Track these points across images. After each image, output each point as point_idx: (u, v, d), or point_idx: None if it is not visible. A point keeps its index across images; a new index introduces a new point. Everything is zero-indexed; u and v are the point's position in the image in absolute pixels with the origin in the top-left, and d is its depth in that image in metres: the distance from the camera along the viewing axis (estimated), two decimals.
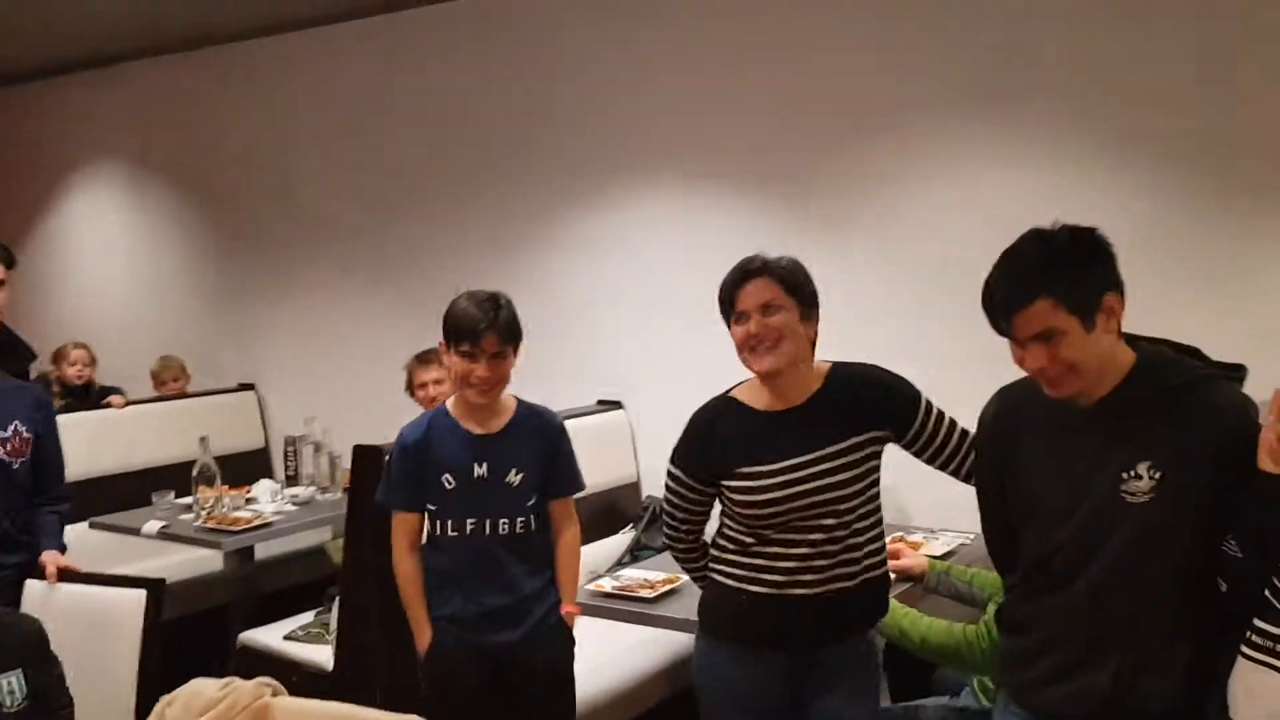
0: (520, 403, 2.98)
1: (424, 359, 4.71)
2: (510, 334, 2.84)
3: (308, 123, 5.80)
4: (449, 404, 2.94)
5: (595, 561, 3.86)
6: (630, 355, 4.73)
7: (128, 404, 5.45)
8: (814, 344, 2.51)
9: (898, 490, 4.04)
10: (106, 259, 6.82)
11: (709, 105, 4.54)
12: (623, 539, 4.35)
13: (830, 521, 2.43)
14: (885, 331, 4.07)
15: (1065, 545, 2.07)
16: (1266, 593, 1.87)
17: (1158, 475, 1.96)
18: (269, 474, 5.38)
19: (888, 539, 3.55)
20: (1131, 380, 2.03)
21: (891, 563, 3.28)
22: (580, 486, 3.04)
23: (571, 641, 2.97)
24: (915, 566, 3.23)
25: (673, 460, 2.62)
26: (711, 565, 2.60)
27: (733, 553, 2.53)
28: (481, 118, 5.18)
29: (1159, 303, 3.10)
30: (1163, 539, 1.98)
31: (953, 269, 3.80)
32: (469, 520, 2.82)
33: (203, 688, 2.09)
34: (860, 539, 2.48)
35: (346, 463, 4.50)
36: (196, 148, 6.29)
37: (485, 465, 2.83)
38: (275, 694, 2.08)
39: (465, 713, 2.80)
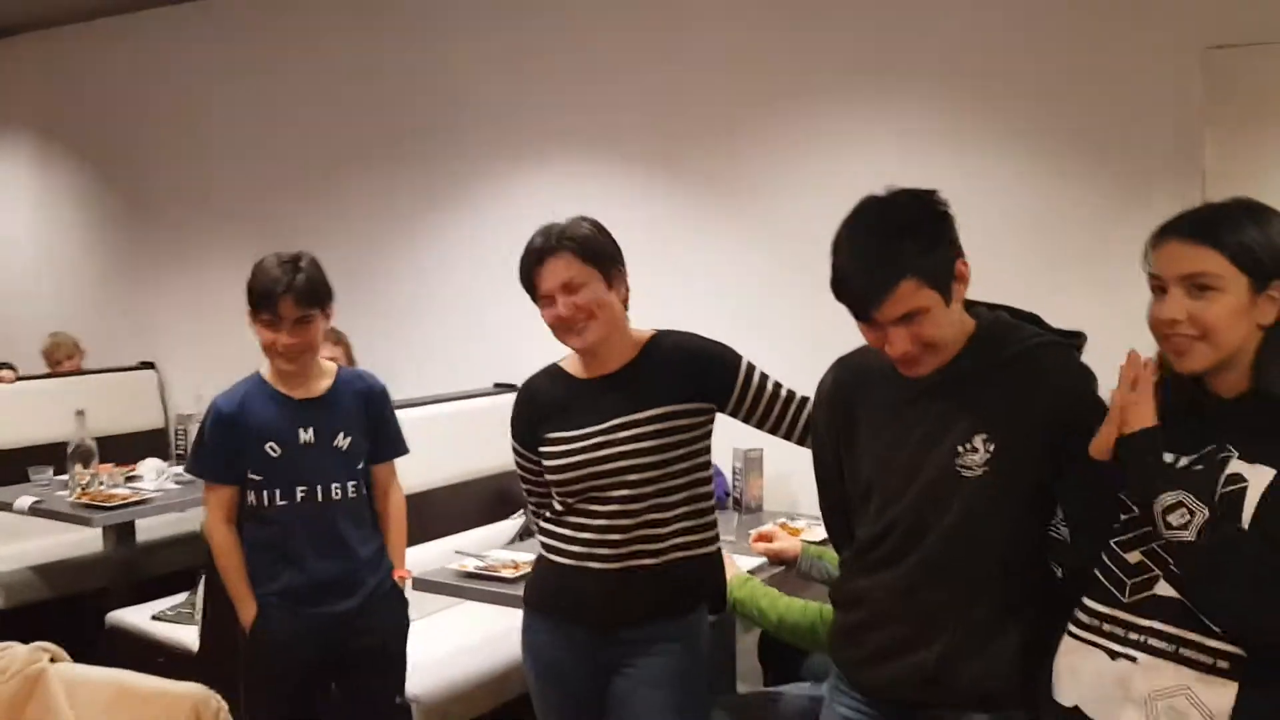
0: (341, 367, 2.94)
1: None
2: (312, 297, 2.72)
3: (206, 98, 5.71)
4: (263, 370, 2.84)
5: (483, 545, 3.76)
6: (526, 338, 4.60)
7: (17, 379, 5.29)
8: (626, 303, 2.43)
9: (790, 478, 4.00)
10: (3, 232, 6.65)
11: (597, 81, 4.50)
12: (514, 523, 4.25)
13: (624, 493, 2.34)
14: (770, 308, 4.05)
15: (899, 520, 1.98)
16: (1096, 571, 1.81)
17: (992, 447, 1.89)
18: (168, 455, 5.24)
19: (772, 525, 3.53)
20: (970, 350, 1.95)
21: (763, 545, 3.24)
22: (405, 450, 3.00)
23: (405, 605, 2.94)
24: (788, 550, 3.16)
25: (510, 431, 2.59)
26: (537, 535, 2.56)
27: (549, 521, 2.49)
28: (372, 96, 5.12)
29: (1039, 282, 3.07)
30: (997, 513, 1.91)
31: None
32: (299, 488, 2.74)
33: None
34: (664, 514, 2.37)
35: None
36: (99, 122, 6.16)
37: (311, 430, 2.76)
38: (55, 660, 1.96)
39: (291, 687, 2.71)
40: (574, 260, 2.33)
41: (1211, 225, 1.71)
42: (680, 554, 2.40)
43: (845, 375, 2.14)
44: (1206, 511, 1.63)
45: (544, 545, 2.51)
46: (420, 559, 3.48)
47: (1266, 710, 1.63)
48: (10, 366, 5.41)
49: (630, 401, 2.36)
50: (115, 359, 5.79)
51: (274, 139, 5.47)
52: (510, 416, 2.59)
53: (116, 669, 1.98)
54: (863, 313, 1.89)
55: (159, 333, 5.88)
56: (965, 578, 1.95)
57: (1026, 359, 1.93)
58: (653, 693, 2.40)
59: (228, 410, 2.78)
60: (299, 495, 2.73)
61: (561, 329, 2.38)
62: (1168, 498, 1.66)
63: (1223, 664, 1.65)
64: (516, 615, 3.76)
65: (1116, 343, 1.84)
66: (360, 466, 2.83)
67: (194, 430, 4.76)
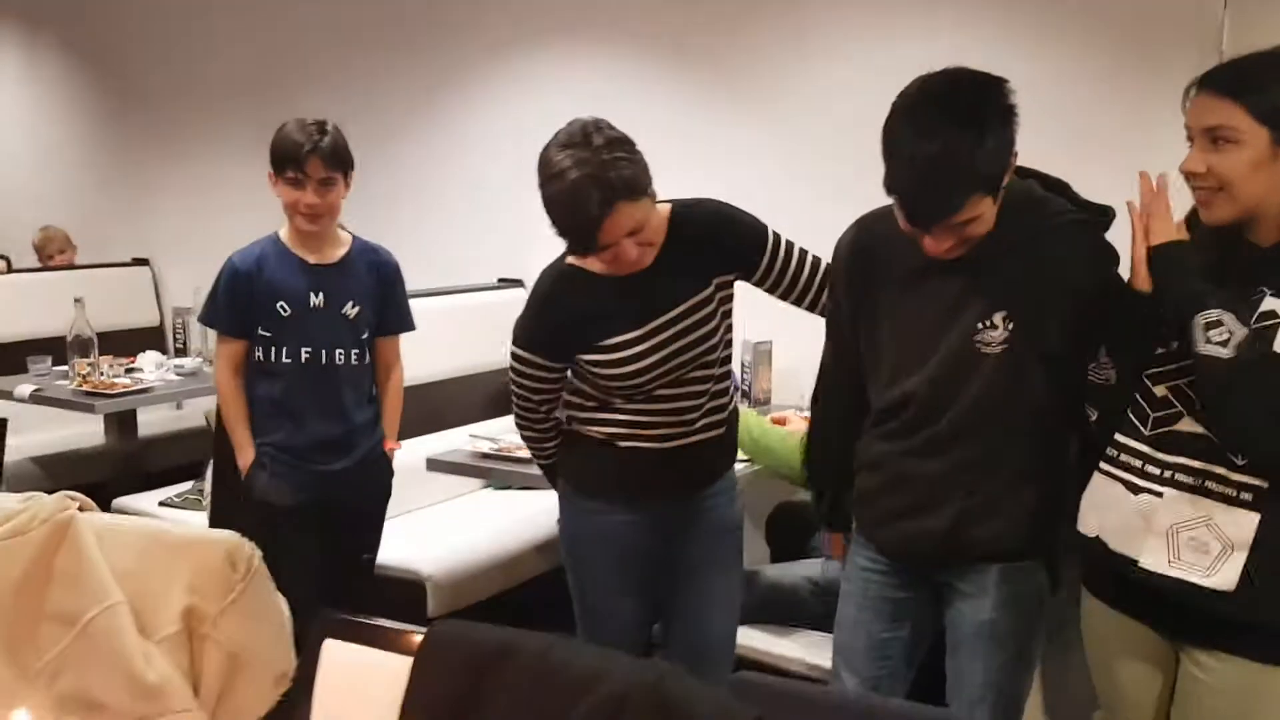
0: (356, 237, 2.96)
1: None
2: (336, 160, 2.77)
3: None
4: (281, 232, 2.88)
5: (492, 434, 3.75)
6: (533, 233, 4.55)
7: (10, 271, 5.22)
8: (655, 198, 2.27)
9: (799, 371, 3.97)
10: None
11: None
12: None
13: (700, 374, 2.32)
14: (784, 201, 3.97)
15: (915, 394, 1.99)
16: (1128, 410, 1.82)
17: (1011, 325, 1.90)
18: (165, 350, 5.19)
19: (794, 413, 3.55)
20: (1003, 223, 1.90)
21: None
22: (411, 326, 3.06)
23: (391, 474, 3.02)
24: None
25: (517, 343, 2.40)
26: (575, 425, 2.43)
27: (596, 410, 2.37)
28: None
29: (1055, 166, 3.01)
30: (1014, 389, 1.93)
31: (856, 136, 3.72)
32: (304, 349, 2.80)
33: (3, 501, 1.94)
34: (725, 383, 2.40)
35: None
36: (89, 10, 6.00)
37: (322, 295, 2.81)
38: (84, 509, 1.93)
39: (285, 530, 2.73)
40: (626, 206, 2.14)
41: (1236, 78, 1.72)
42: (731, 413, 2.44)
43: (865, 239, 2.11)
44: (1245, 330, 1.64)
45: (595, 432, 2.39)
46: (433, 447, 3.51)
47: None
48: (4, 258, 5.34)
49: (683, 286, 2.30)
50: (108, 255, 5.70)
51: (272, 27, 5.33)
52: (526, 331, 2.40)
53: (146, 519, 1.96)
54: (922, 226, 1.85)
55: (153, 229, 5.78)
56: (980, 449, 1.97)
57: (1051, 238, 1.91)
58: (723, 547, 2.50)
59: (243, 268, 2.83)
60: (304, 356, 2.79)
61: (617, 266, 2.24)
62: (1212, 314, 1.67)
63: (1245, 495, 1.69)
64: (526, 502, 3.83)
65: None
66: (365, 336, 2.88)
67: (192, 323, 4.77)
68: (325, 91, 5.13)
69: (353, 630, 1.53)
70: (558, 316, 2.34)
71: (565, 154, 2.17)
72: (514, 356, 2.41)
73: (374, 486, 2.98)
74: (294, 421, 2.82)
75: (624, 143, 2.20)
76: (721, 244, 2.34)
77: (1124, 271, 1.88)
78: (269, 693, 1.82)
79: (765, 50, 4.13)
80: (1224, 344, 1.65)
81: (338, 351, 2.82)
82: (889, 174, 1.85)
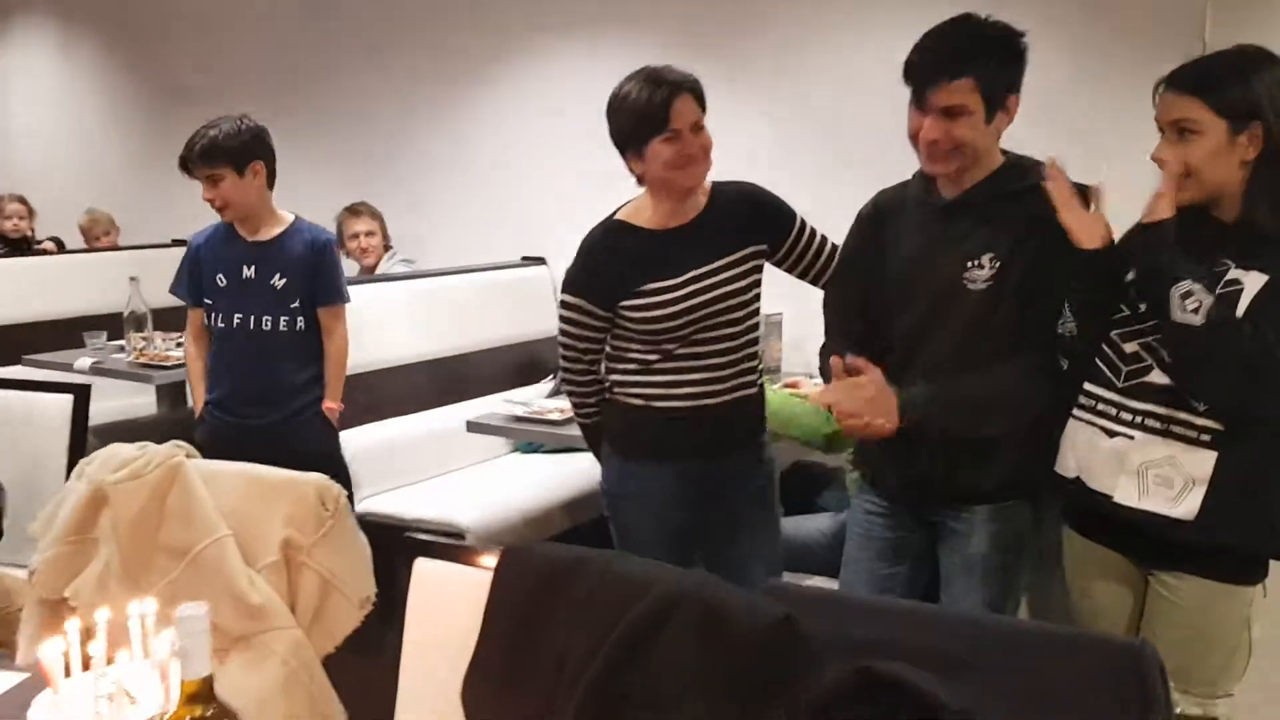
0: (298, 219, 3.40)
1: (354, 210, 4.83)
2: (208, 157, 3.23)
3: None
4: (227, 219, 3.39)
5: (524, 399, 4.01)
6: (553, 213, 4.82)
7: (61, 251, 5.48)
8: None
9: (807, 341, 4.21)
10: (33, 112, 6.76)
11: None
12: (543, 387, 4.49)
13: (731, 330, 2.54)
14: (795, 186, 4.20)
15: (908, 331, 2.26)
16: (1097, 360, 2.09)
17: (997, 265, 2.15)
18: None
19: (795, 378, 3.81)
20: (993, 179, 2.21)
21: (789, 392, 3.50)
22: (344, 298, 3.40)
23: (333, 429, 3.39)
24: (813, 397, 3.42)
25: (568, 290, 2.61)
26: (616, 392, 2.65)
27: (636, 373, 2.58)
28: None
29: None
30: (992, 319, 2.16)
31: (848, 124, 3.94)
32: (236, 315, 3.26)
33: (119, 449, 2.21)
34: (754, 347, 2.62)
35: None
36: (124, 2, 6.22)
37: (253, 268, 3.27)
38: (189, 455, 2.20)
39: None
40: (694, 103, 2.46)
41: (1197, 77, 1.98)
42: (760, 383, 2.67)
43: (883, 200, 2.39)
44: (1212, 298, 1.90)
45: (636, 395, 2.59)
46: (470, 412, 3.77)
47: (1238, 471, 1.94)
48: (58, 241, 5.59)
49: (719, 245, 2.53)
50: (147, 237, 5.94)
51: (302, 15, 5.55)
52: (576, 278, 2.60)
53: (244, 463, 2.22)
54: (921, 90, 2.12)
55: (191, 211, 6.00)
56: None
57: (1039, 195, 2.13)
58: (758, 513, 2.69)
59: (195, 244, 3.41)
60: (235, 321, 3.26)
61: (681, 164, 2.45)
62: (1184, 284, 1.92)
63: (1205, 437, 1.96)
64: (553, 464, 4.10)
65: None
66: (295, 305, 3.27)
67: None
68: (355, 79, 5.35)
69: (439, 550, 1.79)
70: (605, 262, 2.56)
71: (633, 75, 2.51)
72: (563, 304, 2.61)
73: (312, 445, 3.26)
74: (229, 380, 3.30)
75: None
76: (755, 217, 2.60)
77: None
78: (355, 614, 2.09)
79: (779, 44, 4.33)
80: (1195, 312, 1.91)
81: (265, 318, 3.24)
82: (907, 57, 2.15)
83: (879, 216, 2.36)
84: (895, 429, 2.16)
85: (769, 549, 2.74)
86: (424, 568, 1.78)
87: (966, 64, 2.09)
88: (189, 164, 3.25)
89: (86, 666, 1.51)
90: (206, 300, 3.29)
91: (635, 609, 1.53)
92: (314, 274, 3.29)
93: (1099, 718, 1.30)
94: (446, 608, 1.74)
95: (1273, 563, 2.05)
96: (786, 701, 1.42)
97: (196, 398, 3.37)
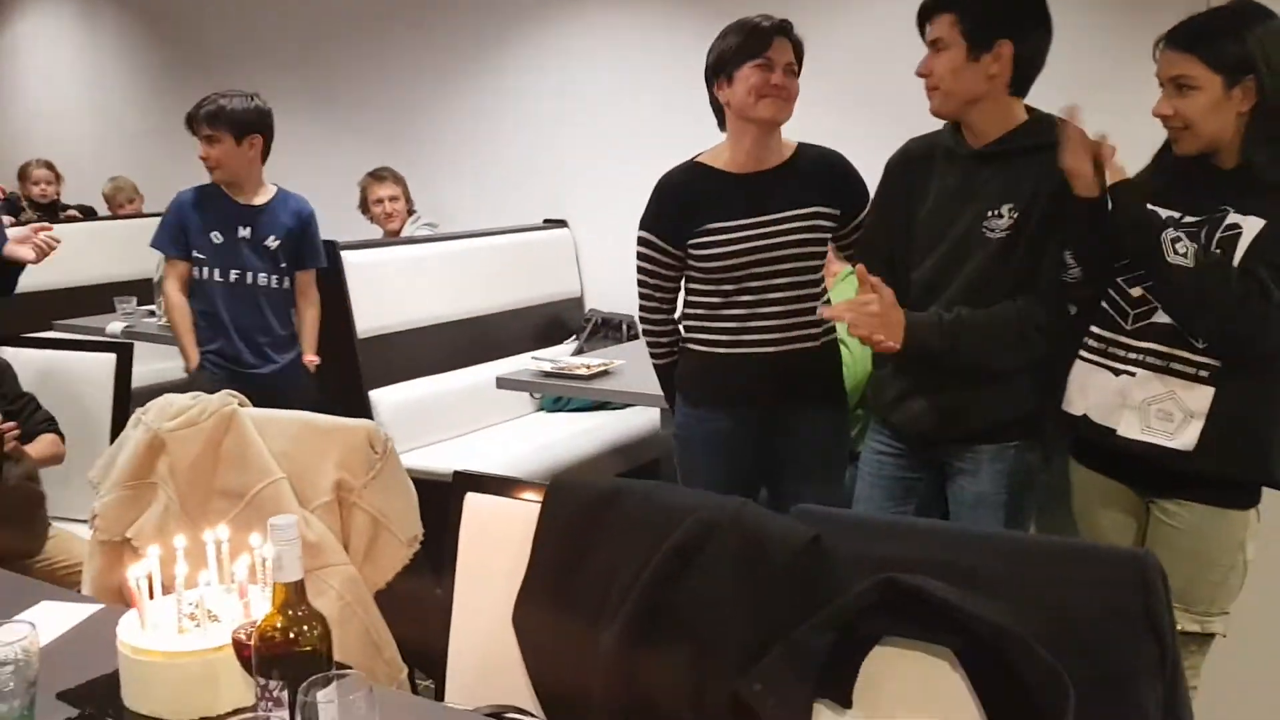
0: (280, 189, 3.73)
1: (377, 176, 4.92)
2: (213, 120, 3.55)
3: None
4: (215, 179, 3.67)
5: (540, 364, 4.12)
6: (575, 175, 4.92)
7: (88, 219, 5.59)
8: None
9: None
10: (55, 82, 6.85)
11: None
12: (567, 347, 4.61)
13: (786, 280, 2.58)
14: None
15: (927, 273, 2.36)
16: (1103, 304, 2.19)
17: (1016, 215, 2.25)
18: None
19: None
20: (1017, 133, 2.30)
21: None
22: (323, 263, 3.78)
23: (313, 381, 3.72)
24: None
25: (642, 227, 2.69)
26: (685, 338, 2.73)
27: (702, 318, 2.66)
28: None
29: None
30: (1011, 265, 2.26)
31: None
32: (233, 271, 3.56)
33: (174, 399, 2.33)
34: (813, 303, 2.64)
35: None
36: None
37: (249, 229, 3.58)
38: (241, 404, 2.32)
39: None
40: (790, 49, 2.57)
41: (1193, 34, 2.09)
42: (832, 337, 2.69)
43: (912, 148, 2.49)
44: (1197, 245, 2.03)
45: (700, 341, 2.66)
46: (498, 370, 3.89)
47: (1234, 405, 2.06)
48: (86, 209, 5.70)
49: (789, 198, 2.59)
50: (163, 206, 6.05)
51: None
52: (648, 213, 2.67)
53: (295, 411, 2.33)
54: (921, 28, 2.28)
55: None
56: None
57: (1050, 148, 2.22)
58: (825, 455, 2.73)
59: (186, 200, 3.63)
60: (233, 276, 3.55)
61: (765, 93, 2.52)
62: (1170, 232, 2.05)
63: (1203, 373, 2.07)
64: (575, 421, 4.21)
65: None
66: (284, 265, 3.63)
67: None
68: (378, 47, 5.42)
69: (488, 484, 1.90)
70: (679, 197, 2.64)
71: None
72: (639, 241, 2.70)
73: (298, 393, 3.57)
74: (226, 334, 3.55)
75: None
76: (834, 182, 2.66)
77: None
78: (404, 551, 2.21)
79: (795, 8, 4.39)
80: (1185, 256, 2.03)
81: (260, 275, 3.57)
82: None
83: (907, 164, 2.46)
84: (899, 348, 2.27)
85: (831, 501, 2.72)
86: (474, 502, 1.90)
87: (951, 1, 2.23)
88: (194, 120, 3.56)
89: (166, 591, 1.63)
90: (198, 255, 3.55)
91: (676, 532, 1.64)
92: (300, 240, 3.67)
93: (1108, 621, 1.41)
94: (497, 539, 1.86)
95: (1266, 490, 2.16)
96: (817, 615, 1.53)
97: (188, 346, 3.58)
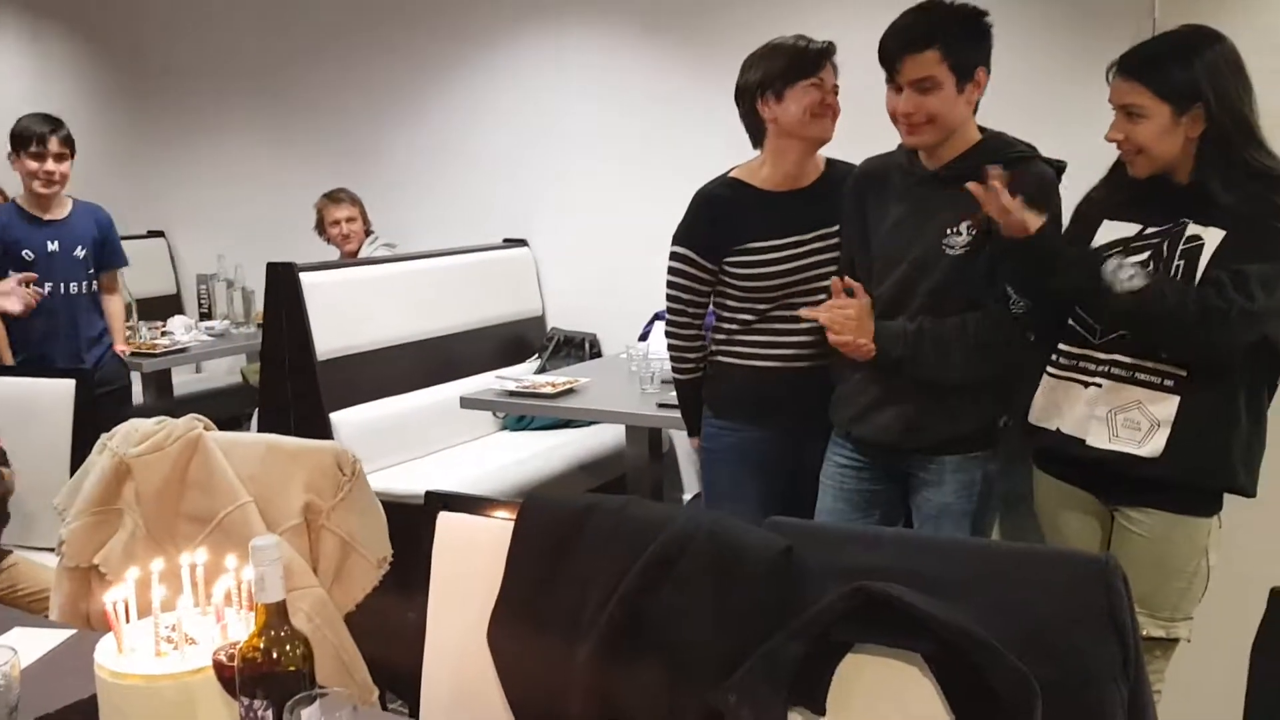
0: (75, 200, 4.11)
1: (333, 197, 4.91)
2: (66, 140, 4.00)
3: None
4: (19, 199, 4.06)
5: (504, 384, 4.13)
6: (535, 195, 4.94)
7: None
8: None
9: None
10: (4, 104, 6.75)
11: None
12: (529, 366, 4.62)
13: (824, 298, 2.55)
14: None
15: (890, 288, 2.41)
16: (1072, 322, 2.26)
17: (974, 231, 2.31)
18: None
19: None
20: (975, 151, 2.36)
21: None
22: (125, 263, 4.31)
23: (126, 367, 4.23)
24: None
25: (677, 242, 2.72)
26: (716, 351, 2.76)
27: (737, 333, 2.70)
28: None
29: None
30: (969, 282, 2.33)
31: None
32: (47, 283, 3.95)
33: (139, 424, 2.32)
34: None
35: (260, 300, 4.72)
36: None
37: (57, 243, 3.99)
38: (207, 428, 2.31)
39: None
40: (833, 70, 2.62)
41: (1141, 62, 2.16)
42: None
43: (866, 169, 2.56)
44: (1139, 261, 2.10)
45: (733, 354, 2.70)
46: (453, 393, 3.90)
47: (1198, 414, 2.12)
48: None
49: (825, 216, 2.63)
50: (124, 228, 5.98)
51: (285, 5, 5.57)
52: (684, 228, 2.71)
53: (261, 434, 2.33)
54: (891, 66, 2.30)
55: (164, 202, 6.08)
56: None
57: (1018, 166, 2.31)
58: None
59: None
60: (47, 289, 3.93)
61: (819, 113, 2.57)
62: (1111, 263, 2.11)
63: (1168, 382, 2.14)
64: (539, 440, 4.22)
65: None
66: (91, 271, 4.07)
67: (217, 288, 5.13)
68: (332, 66, 5.40)
69: (461, 503, 1.91)
70: (714, 213, 2.67)
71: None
72: (672, 256, 2.72)
73: (114, 381, 4.10)
74: (43, 341, 3.94)
75: None
76: None
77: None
78: (374, 573, 2.22)
79: (758, 25, 4.39)
80: (1132, 279, 2.08)
81: (72, 284, 4.00)
82: (879, 44, 2.32)
83: (864, 186, 2.52)
84: (873, 353, 2.35)
85: None
86: (447, 520, 1.91)
87: (932, 37, 2.26)
88: (44, 139, 3.93)
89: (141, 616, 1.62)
90: (13, 273, 3.87)
91: (651, 545, 1.67)
92: (103, 245, 4.14)
93: (1073, 625, 1.45)
94: (470, 558, 1.87)
95: (1227, 496, 2.22)
96: (790, 624, 1.56)
97: (2, 350, 3.93)
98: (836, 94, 2.62)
